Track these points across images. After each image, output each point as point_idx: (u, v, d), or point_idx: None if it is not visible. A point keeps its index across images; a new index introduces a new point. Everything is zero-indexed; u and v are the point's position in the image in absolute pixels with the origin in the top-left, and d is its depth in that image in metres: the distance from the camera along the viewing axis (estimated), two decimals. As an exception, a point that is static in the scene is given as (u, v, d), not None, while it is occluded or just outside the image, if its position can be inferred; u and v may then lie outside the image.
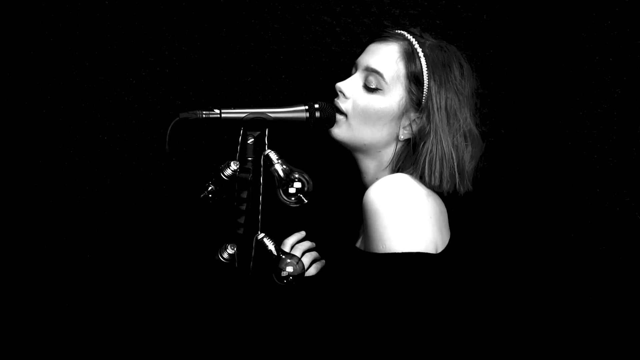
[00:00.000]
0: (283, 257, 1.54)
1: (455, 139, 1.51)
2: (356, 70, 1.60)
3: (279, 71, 1.93)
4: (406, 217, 1.41)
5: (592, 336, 1.90)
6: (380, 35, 1.61)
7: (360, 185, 1.67)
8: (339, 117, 1.59)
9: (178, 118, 1.50)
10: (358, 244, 1.59)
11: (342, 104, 1.59)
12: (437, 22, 1.89)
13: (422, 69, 1.53)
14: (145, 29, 1.90)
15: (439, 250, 1.46)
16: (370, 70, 1.56)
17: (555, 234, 1.91)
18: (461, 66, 1.57)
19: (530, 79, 1.90)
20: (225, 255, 1.55)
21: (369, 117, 1.55)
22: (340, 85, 1.60)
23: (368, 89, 1.56)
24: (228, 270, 1.56)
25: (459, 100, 1.53)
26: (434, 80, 1.52)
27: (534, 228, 1.93)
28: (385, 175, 1.57)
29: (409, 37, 1.57)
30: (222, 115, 1.52)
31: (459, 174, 1.52)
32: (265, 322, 1.83)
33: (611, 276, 1.89)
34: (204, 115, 1.51)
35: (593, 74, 1.87)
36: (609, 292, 1.89)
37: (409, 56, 1.54)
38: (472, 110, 1.58)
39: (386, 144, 1.58)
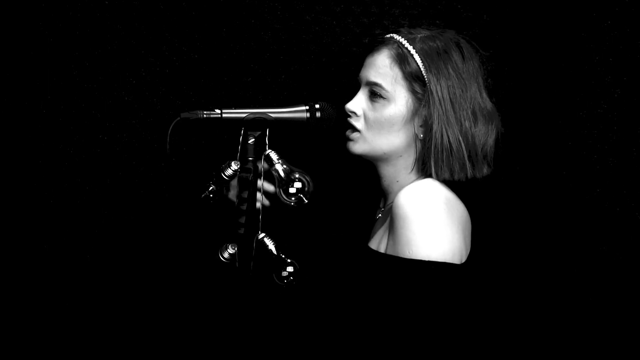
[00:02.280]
0: (283, 257, 1.55)
1: (463, 126, 1.51)
2: (360, 86, 1.62)
3: (279, 71, 1.93)
4: (434, 225, 1.42)
5: (592, 336, 1.90)
6: (372, 45, 1.62)
7: (376, 188, 1.68)
8: (354, 134, 1.61)
9: (179, 118, 1.50)
10: (374, 245, 1.58)
11: (355, 122, 1.60)
12: (437, 22, 1.89)
13: (417, 65, 1.53)
14: (145, 29, 1.90)
15: (463, 260, 1.46)
16: (370, 84, 1.57)
17: (555, 234, 1.91)
18: (460, 48, 1.56)
19: (530, 79, 1.90)
20: (226, 255, 1.55)
21: (382, 126, 1.56)
22: (349, 105, 1.61)
23: (374, 101, 1.57)
24: (228, 269, 1.56)
25: (464, 83, 1.53)
26: (432, 73, 1.52)
27: (533, 228, 1.93)
28: (406, 176, 1.58)
29: (398, 38, 1.57)
30: (223, 115, 1.52)
31: (470, 162, 1.52)
32: (265, 322, 1.83)
33: (611, 276, 1.89)
34: (204, 115, 1.51)
35: (593, 74, 1.87)
36: (609, 292, 1.89)
37: (402, 58, 1.54)
38: (482, 86, 1.57)
39: (407, 147, 1.57)
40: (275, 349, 1.82)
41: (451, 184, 1.54)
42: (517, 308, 1.93)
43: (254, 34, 1.92)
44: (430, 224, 1.41)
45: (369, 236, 1.68)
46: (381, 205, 1.70)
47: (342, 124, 1.64)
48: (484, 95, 1.57)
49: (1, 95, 1.89)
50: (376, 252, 1.54)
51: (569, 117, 1.89)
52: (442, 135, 1.50)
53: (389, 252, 1.47)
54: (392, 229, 1.47)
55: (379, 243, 1.57)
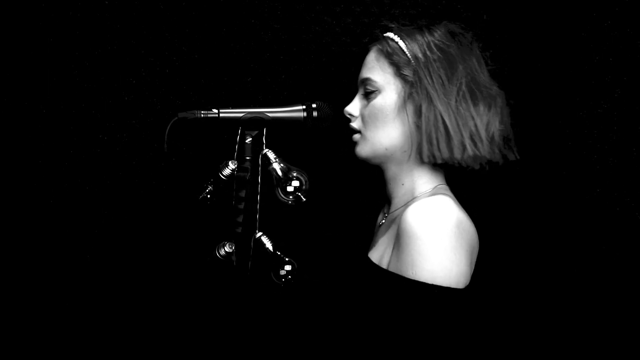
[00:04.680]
0: (281, 256, 1.55)
1: (458, 103, 1.47)
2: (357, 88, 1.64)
3: (279, 71, 1.93)
4: (442, 248, 1.36)
5: (592, 336, 1.89)
6: (366, 47, 1.64)
7: (381, 192, 1.66)
8: (356, 135, 1.62)
9: (176, 118, 1.51)
10: (376, 256, 1.54)
11: (354, 124, 1.62)
12: (437, 22, 1.89)
13: (400, 47, 1.53)
14: (145, 29, 1.91)
15: (467, 284, 1.41)
16: (363, 81, 1.59)
17: (555, 234, 1.91)
18: (447, 29, 1.56)
19: (530, 79, 1.90)
20: (222, 253, 1.55)
21: (377, 118, 1.55)
22: (347, 108, 1.63)
23: (367, 96, 1.58)
24: (225, 267, 1.56)
25: (453, 60, 1.50)
26: (413, 51, 1.52)
27: (533, 228, 1.92)
28: (412, 179, 1.56)
29: (385, 34, 1.59)
30: (220, 114, 1.53)
31: (472, 143, 1.47)
32: (264, 321, 1.84)
33: (611, 276, 1.89)
34: (202, 115, 1.52)
35: (593, 74, 1.87)
36: (609, 292, 1.89)
37: (386, 47, 1.56)
38: (479, 68, 1.54)
39: (406, 139, 1.54)
40: (271, 348, 1.82)
41: (452, 190, 1.53)
42: (516, 310, 1.92)
43: (254, 34, 1.92)
44: (438, 246, 1.35)
45: (369, 243, 1.66)
46: (385, 210, 1.68)
47: (343, 128, 1.64)
48: (485, 76, 1.54)
49: (1, 95, 1.89)
50: (378, 267, 1.49)
51: (569, 117, 1.89)
52: (434, 115, 1.47)
53: (392, 268, 1.42)
54: (397, 245, 1.42)
55: (381, 255, 1.52)
